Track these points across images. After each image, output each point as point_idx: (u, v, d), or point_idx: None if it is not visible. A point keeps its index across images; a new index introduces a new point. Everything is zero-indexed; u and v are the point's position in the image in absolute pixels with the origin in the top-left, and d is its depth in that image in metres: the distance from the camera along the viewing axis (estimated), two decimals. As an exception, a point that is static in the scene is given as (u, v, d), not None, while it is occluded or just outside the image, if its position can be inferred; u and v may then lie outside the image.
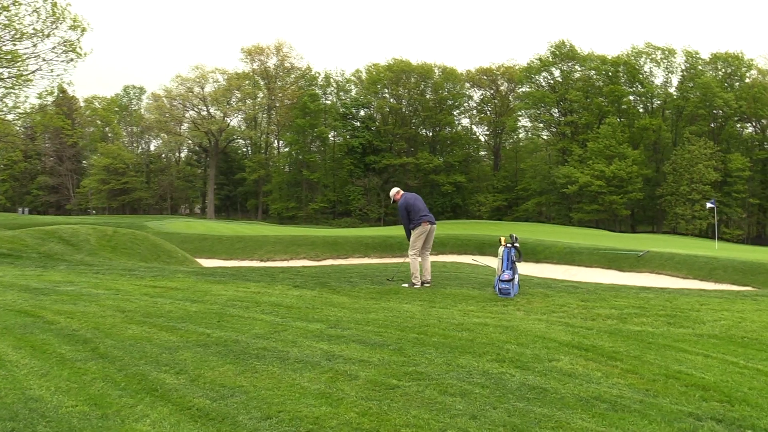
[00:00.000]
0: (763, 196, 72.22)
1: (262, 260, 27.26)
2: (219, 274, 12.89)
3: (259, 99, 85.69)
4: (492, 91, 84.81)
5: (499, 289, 10.14)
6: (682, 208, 64.03)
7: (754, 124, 75.65)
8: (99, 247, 18.19)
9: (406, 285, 11.08)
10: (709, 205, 36.52)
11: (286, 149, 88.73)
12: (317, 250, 21.50)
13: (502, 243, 10.74)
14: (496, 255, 11.31)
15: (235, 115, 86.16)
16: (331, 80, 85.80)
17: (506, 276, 10.17)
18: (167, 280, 11.74)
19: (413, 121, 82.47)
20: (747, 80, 72.05)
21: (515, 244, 10.62)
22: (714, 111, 71.39)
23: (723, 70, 72.33)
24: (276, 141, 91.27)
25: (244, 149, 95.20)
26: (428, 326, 7.51)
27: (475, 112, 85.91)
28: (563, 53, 73.79)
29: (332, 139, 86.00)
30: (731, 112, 69.95)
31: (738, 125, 75.74)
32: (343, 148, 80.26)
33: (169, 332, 7.12)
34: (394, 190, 11.71)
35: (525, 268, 10.91)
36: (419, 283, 11.03)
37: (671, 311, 9.05)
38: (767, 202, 74.79)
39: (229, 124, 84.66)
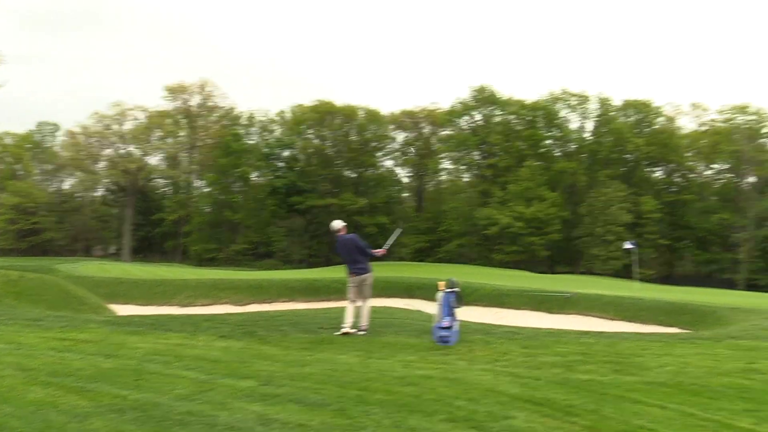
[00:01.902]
0: (671, 237, 75.52)
1: (182, 306, 25.93)
2: (136, 323, 11.89)
3: (180, 137, 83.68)
4: (415, 134, 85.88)
5: (439, 337, 9.70)
6: (597, 249, 65.99)
7: (662, 167, 79.44)
8: (1, 294, 16.73)
9: (363, 332, 10.59)
10: (627, 245, 37.29)
11: (208, 189, 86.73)
12: (241, 294, 20.59)
13: (441, 288, 10.36)
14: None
15: (155, 153, 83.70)
16: (255, 120, 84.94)
17: (446, 323, 9.75)
18: (77, 331, 10.66)
19: (337, 162, 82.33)
20: (656, 126, 75.86)
21: (455, 289, 10.25)
22: (626, 155, 74.64)
23: (634, 116, 75.99)
24: (197, 181, 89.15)
25: (164, 189, 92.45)
26: (369, 380, 6.94)
27: (398, 153, 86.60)
28: (484, 97, 75.74)
29: (255, 179, 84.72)
30: (642, 156, 73.29)
31: (648, 169, 79.34)
32: (267, 188, 79.07)
33: (78, 395, 6.24)
34: (339, 224, 11.21)
35: (459, 313, 10.52)
36: (346, 328, 10.52)
37: (615, 357, 8.83)
38: (676, 243, 78.33)
39: (147, 163, 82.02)
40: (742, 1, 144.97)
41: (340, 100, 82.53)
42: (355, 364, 7.98)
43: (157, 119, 79.19)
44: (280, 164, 78.95)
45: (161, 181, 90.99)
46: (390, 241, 12.38)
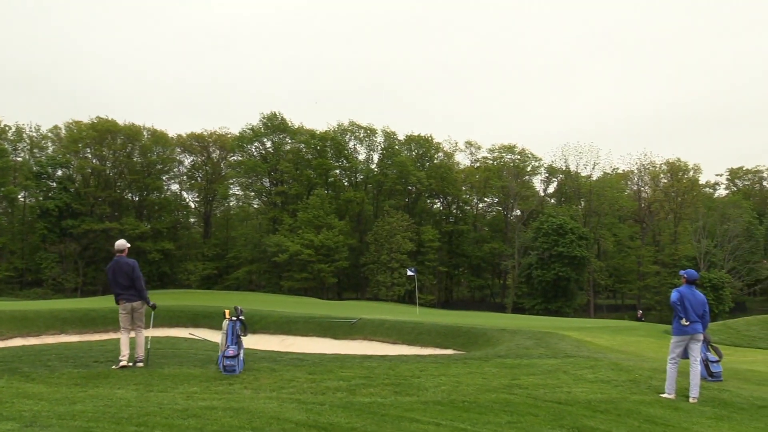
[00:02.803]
0: (450, 264, 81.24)
1: None
2: None
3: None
4: (203, 158, 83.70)
5: (224, 366, 9.50)
6: (383, 276, 68.89)
7: (441, 199, 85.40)
8: None
9: (140, 364, 9.94)
10: (409, 273, 38.74)
11: (-38, 210, 76.82)
12: (2, 327, 18.39)
13: (227, 316, 10.18)
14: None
15: None
16: (24, 135, 77.04)
17: (231, 352, 9.59)
18: None
19: (119, 183, 77.44)
20: (436, 161, 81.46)
21: (240, 317, 10.14)
22: (409, 187, 79.20)
23: (416, 150, 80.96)
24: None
25: None
26: (148, 415, 6.60)
27: (185, 177, 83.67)
28: (275, 125, 75.99)
29: (22, 199, 76.70)
30: (423, 188, 78.22)
31: (429, 200, 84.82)
32: (36, 210, 71.86)
33: None
34: (124, 244, 10.37)
35: (245, 341, 10.42)
36: (123, 362, 9.91)
37: (395, 379, 9.27)
38: (453, 270, 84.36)
39: None
40: (511, 46, 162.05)
41: (122, 119, 77.94)
42: (133, 398, 7.54)
43: None
44: (53, 184, 72.23)
45: None
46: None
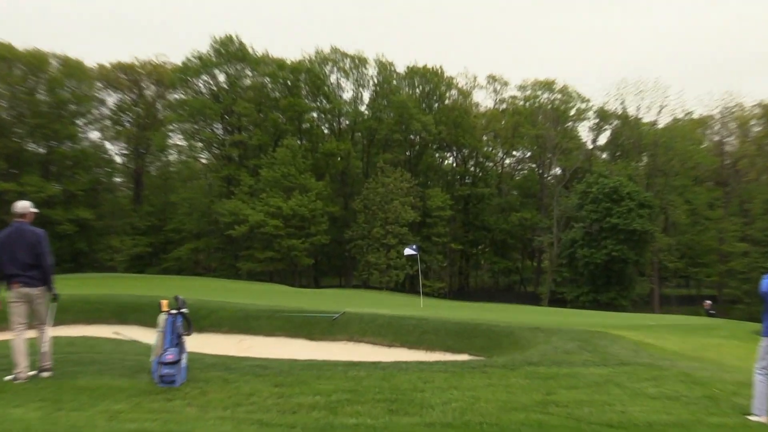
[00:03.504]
0: (465, 240, 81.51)
1: None
2: None
3: None
4: (134, 96, 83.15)
5: (160, 376, 9.50)
6: (375, 256, 69.06)
7: (454, 153, 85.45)
8: None
9: (11, 377, 9.80)
10: (410, 251, 37.90)
11: None
12: None
13: (164, 309, 10.16)
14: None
15: None
16: None
17: (170, 356, 9.58)
18: None
19: (17, 130, 76.95)
20: (447, 101, 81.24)
21: (183, 311, 10.11)
22: (411, 136, 79.17)
23: (421, 87, 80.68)
24: None
25: None
26: (57, 442, 6.60)
27: (108, 123, 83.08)
28: (231, 52, 75.21)
29: None
30: (430, 138, 78.13)
31: (437, 155, 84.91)
32: None
33: None
34: (27, 207, 10.04)
35: (188, 342, 10.42)
36: (24, 374, 9.79)
37: (391, 394, 9.28)
38: (470, 248, 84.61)
39: None
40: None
41: (21, 43, 77.23)
42: (36, 419, 7.52)
43: None
44: None
45: None
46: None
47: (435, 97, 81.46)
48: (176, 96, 78.28)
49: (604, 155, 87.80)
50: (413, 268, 67.29)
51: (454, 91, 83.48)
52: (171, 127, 78.16)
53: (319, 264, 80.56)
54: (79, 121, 79.53)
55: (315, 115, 79.83)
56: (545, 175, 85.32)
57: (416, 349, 18.71)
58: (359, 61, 79.18)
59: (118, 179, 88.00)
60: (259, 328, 21.85)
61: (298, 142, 75.23)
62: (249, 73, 77.62)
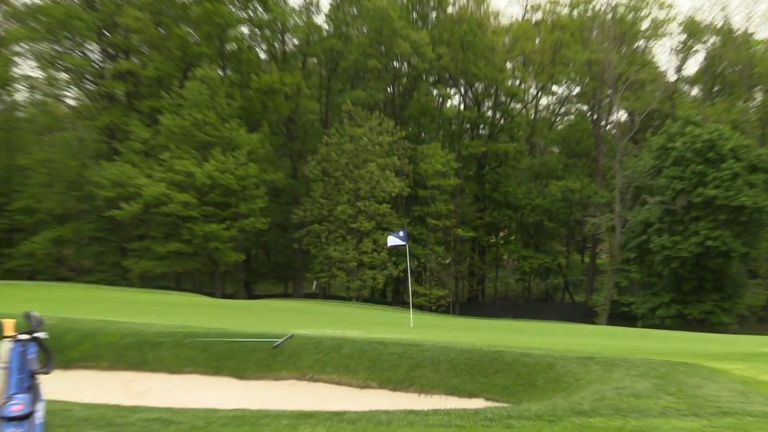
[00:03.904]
0: (479, 224, 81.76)
1: None
2: None
3: None
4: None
5: (2, 437, 9.39)
6: (339, 248, 68.84)
7: (462, 89, 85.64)
8: None
9: None
10: (392, 241, 37.37)
11: None
12: None
13: (8, 333, 10.01)
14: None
15: None
16: None
17: (17, 408, 9.44)
18: None
19: None
20: (451, 10, 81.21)
21: (38, 335, 9.97)
22: (395, 63, 79.48)
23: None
24: None
25: None
26: None
27: None
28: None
29: None
30: (424, 67, 78.09)
31: (435, 91, 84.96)
32: None
33: None
34: None
35: (47, 384, 10.27)
36: None
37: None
38: (487, 236, 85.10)
39: None
40: None
41: None
42: None
43: None
44: None
45: None
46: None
47: (432, 4, 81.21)
48: (26, 2, 77.46)
49: (695, 91, 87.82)
50: (399, 268, 67.47)
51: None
52: (18, 49, 77.30)
53: (253, 262, 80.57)
54: None
55: (246, 30, 79.47)
56: (602, 123, 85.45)
57: (403, 392, 18.62)
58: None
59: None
60: (159, 362, 21.71)
61: (220, 72, 74.77)
62: (142, -35, 77.08)
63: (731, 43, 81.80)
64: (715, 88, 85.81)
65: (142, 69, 74.13)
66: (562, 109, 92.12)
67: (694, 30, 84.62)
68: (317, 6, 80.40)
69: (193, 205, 65.92)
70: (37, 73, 78.81)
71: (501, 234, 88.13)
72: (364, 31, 76.53)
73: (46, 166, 76.21)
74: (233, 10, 76.81)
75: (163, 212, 65.60)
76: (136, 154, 68.68)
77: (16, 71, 78.69)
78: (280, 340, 22.02)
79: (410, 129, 77.80)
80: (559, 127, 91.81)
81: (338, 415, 11.84)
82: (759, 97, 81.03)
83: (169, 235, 67.18)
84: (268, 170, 71.64)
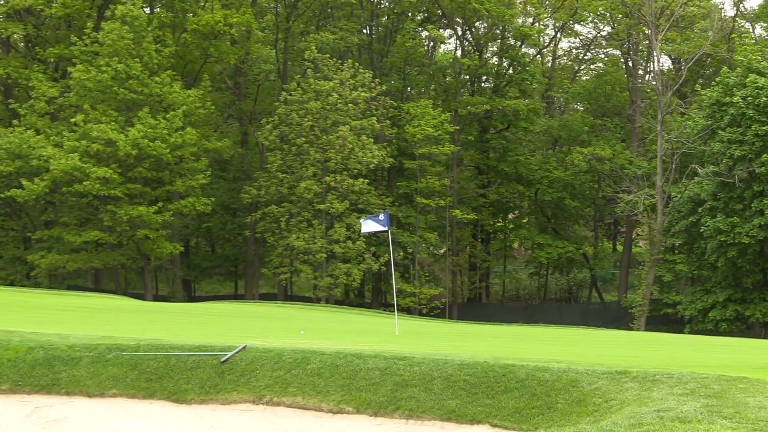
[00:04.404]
0: (482, 203, 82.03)
1: None
2: None
3: None
4: None
5: None
6: (301, 237, 68.86)
7: (459, 31, 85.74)
8: None
9: None
10: (370, 225, 37.45)
11: None
12: None
13: None
14: None
15: None
16: None
17: None
18: None
19: None
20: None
21: None
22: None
23: None
24: None
25: None
26: None
27: None
28: None
29: None
30: (410, 1, 78.18)
31: (424, 33, 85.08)
32: None
33: None
34: None
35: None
36: None
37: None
38: (491, 219, 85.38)
39: None
40: None
41: None
42: None
43: None
44: None
45: None
46: None
47: None
48: None
49: (758, 30, 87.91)
50: (380, 260, 67.77)
51: None
52: None
53: (193, 255, 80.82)
54: None
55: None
56: (639, 73, 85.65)
57: (387, 417, 18.76)
58: None
59: None
60: (76, 383, 21.85)
61: (146, 11, 74.64)
62: None
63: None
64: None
65: (46, 6, 73.91)
66: (588, 56, 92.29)
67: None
68: None
69: (114, 183, 65.75)
70: None
71: (510, 216, 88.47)
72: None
73: None
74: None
75: (76, 192, 65.46)
76: (40, 117, 68.58)
77: None
78: (230, 353, 22.15)
79: (393, 82, 77.85)
80: (584, 78, 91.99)
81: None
82: None
83: (84, 222, 67.17)
84: (210, 137, 71.63)
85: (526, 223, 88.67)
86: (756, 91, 66.31)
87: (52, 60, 72.44)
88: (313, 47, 73.69)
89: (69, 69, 69.12)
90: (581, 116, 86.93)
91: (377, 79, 73.69)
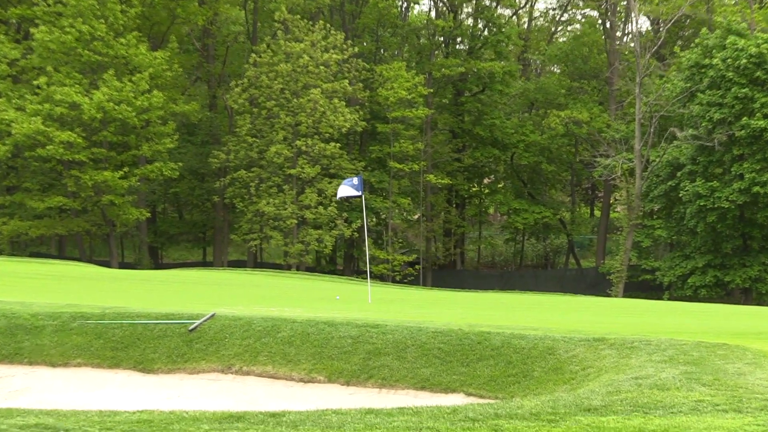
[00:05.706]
0: (456, 168, 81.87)
1: None
2: None
3: None
4: None
5: None
6: (273, 201, 68.70)
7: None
8: None
9: None
10: (344, 191, 37.25)
11: None
12: None
13: None
14: None
15: None
16: None
17: None
18: None
19: None
20: None
21: None
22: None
23: None
24: None
25: None
26: None
27: None
28: None
29: None
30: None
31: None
32: None
33: None
34: None
35: None
36: None
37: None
38: (467, 184, 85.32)
39: None
40: None
41: None
42: None
43: None
44: None
45: None
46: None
47: None
48: None
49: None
50: (353, 226, 67.62)
51: None
52: None
53: (160, 221, 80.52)
54: None
55: None
56: (617, 35, 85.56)
57: (360, 386, 18.67)
58: None
59: None
60: (39, 353, 21.73)
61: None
62: None
63: None
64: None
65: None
66: (565, 16, 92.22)
67: None
68: None
69: (79, 147, 65.51)
70: None
71: (485, 181, 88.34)
72: None
73: None
74: None
75: (39, 156, 65.27)
76: (1, 79, 68.28)
77: None
78: (198, 321, 22.05)
79: (365, 44, 77.66)
80: (561, 40, 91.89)
81: (275, 417, 11.87)
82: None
83: (48, 187, 66.91)
84: (178, 100, 71.40)
85: (502, 188, 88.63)
86: (736, 53, 66.23)
87: (14, 20, 72.18)
88: (284, 8, 73.46)
89: (31, 30, 68.81)
90: (558, 79, 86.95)
91: (349, 41, 73.55)
